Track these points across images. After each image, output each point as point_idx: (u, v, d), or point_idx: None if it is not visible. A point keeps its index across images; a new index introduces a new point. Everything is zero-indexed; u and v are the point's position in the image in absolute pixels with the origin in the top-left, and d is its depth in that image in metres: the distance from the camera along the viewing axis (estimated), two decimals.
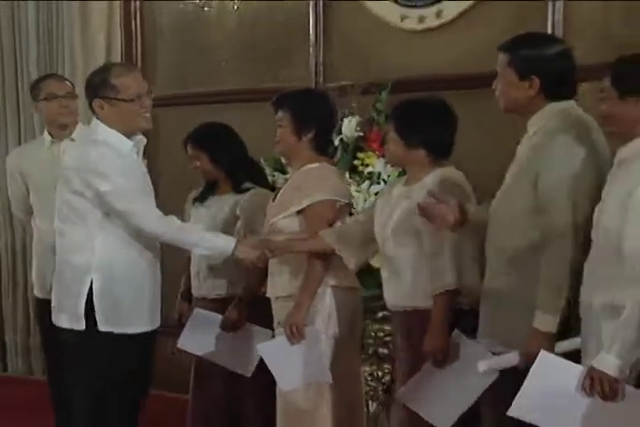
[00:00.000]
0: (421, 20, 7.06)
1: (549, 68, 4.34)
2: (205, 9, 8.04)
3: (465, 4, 6.87)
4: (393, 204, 4.73)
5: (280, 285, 5.29)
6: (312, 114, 5.26)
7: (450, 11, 6.93)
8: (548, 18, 6.53)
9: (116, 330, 4.57)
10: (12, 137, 8.92)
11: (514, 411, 4.03)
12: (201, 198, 6.11)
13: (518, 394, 4.00)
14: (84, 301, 4.51)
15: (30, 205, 6.43)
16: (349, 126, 6.41)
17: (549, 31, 6.46)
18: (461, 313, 4.64)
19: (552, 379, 4.00)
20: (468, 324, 4.56)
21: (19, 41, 8.75)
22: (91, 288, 4.53)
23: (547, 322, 4.16)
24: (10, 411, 7.64)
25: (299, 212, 5.21)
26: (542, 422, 4.02)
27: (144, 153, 5.25)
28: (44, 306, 6.05)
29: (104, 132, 4.61)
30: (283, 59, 7.78)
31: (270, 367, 4.99)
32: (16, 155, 6.75)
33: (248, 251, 4.80)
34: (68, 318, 4.60)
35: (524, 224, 4.27)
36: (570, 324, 4.17)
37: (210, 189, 6.06)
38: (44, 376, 7.46)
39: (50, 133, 6.43)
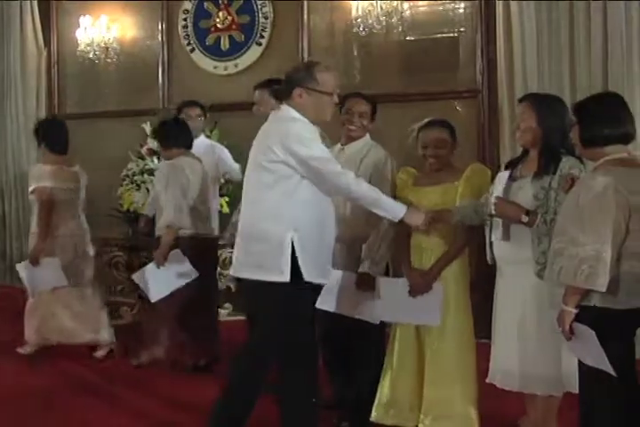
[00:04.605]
0: (225, 68, 7.87)
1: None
2: (96, 61, 8.42)
3: (251, 61, 7.72)
4: None
5: None
6: None
7: (243, 63, 7.79)
8: None
9: (315, 280, 3.81)
10: None
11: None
12: None
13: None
14: (289, 257, 3.71)
15: None
16: None
17: None
18: None
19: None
20: None
21: None
22: (292, 246, 3.71)
23: None
24: None
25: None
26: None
27: None
28: None
29: (296, 114, 3.83)
30: (144, 91, 8.33)
31: None
32: None
33: (415, 217, 3.87)
34: (272, 273, 3.73)
35: None
36: None
37: None
38: None
39: None
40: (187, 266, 5.34)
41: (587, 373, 3.31)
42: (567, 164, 3.68)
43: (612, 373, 3.15)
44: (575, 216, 3.21)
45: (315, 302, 3.96)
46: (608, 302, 3.19)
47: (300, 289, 3.76)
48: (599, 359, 3.18)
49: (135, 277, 5.61)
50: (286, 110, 3.87)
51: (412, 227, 3.98)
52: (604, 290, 3.12)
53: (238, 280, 3.98)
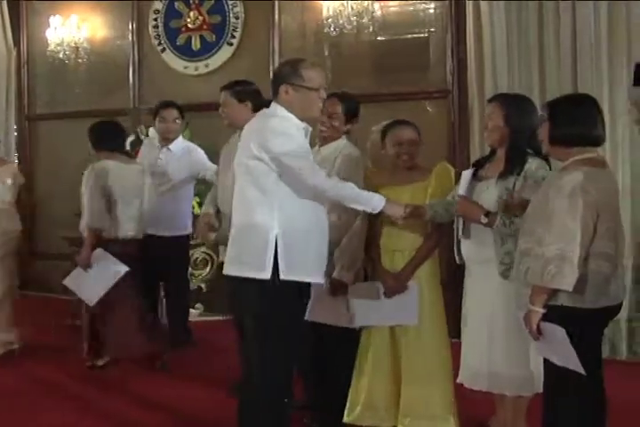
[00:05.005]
0: (196, 69, 7.88)
1: (255, 96, 4.78)
2: (67, 61, 8.35)
3: (221, 61, 7.72)
4: None
5: None
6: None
7: (214, 64, 7.79)
8: (270, 73, 7.10)
9: (298, 278, 3.65)
10: None
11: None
12: None
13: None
14: (272, 254, 3.57)
15: None
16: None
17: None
18: None
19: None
20: None
21: None
22: (276, 243, 3.58)
23: None
24: None
25: None
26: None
27: None
28: None
29: (282, 112, 3.70)
30: (115, 91, 8.32)
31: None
32: None
33: (395, 209, 3.75)
34: (253, 269, 3.61)
35: None
36: None
37: None
38: None
39: None
40: (114, 263, 5.34)
41: (554, 372, 3.30)
42: (533, 165, 3.68)
43: (582, 371, 3.14)
44: (543, 216, 3.19)
45: (303, 301, 3.82)
46: (576, 302, 3.18)
47: (282, 287, 3.62)
48: (569, 358, 3.16)
49: (66, 282, 5.55)
50: (273, 107, 3.78)
51: (392, 218, 3.85)
52: (570, 289, 3.10)
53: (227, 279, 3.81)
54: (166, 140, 6.07)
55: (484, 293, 3.81)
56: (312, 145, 3.98)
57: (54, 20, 8.33)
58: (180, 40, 7.97)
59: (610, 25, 5.87)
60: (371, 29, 6.93)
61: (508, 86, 6.12)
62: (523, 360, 3.74)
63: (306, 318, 3.95)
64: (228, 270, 3.77)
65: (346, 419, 4.25)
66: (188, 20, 7.92)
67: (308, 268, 3.69)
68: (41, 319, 6.37)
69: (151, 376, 5.48)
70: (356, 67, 7.11)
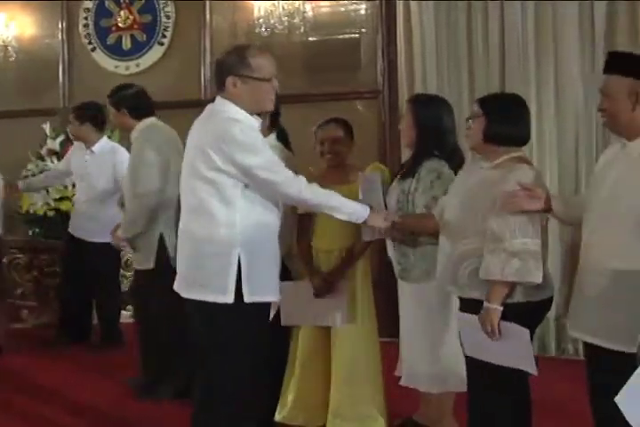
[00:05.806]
0: (127, 68, 7.71)
1: (132, 101, 4.87)
2: None
3: (152, 61, 7.61)
4: None
5: None
6: None
7: (144, 63, 7.65)
8: (201, 73, 7.28)
9: (260, 299, 3.32)
10: None
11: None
12: None
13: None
14: (235, 275, 3.24)
15: None
16: None
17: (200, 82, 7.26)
18: None
19: None
20: None
21: None
22: (239, 263, 3.25)
23: None
24: None
25: None
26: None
27: None
28: None
29: (233, 110, 3.30)
30: (44, 91, 8.06)
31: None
32: None
33: (378, 220, 3.47)
34: (213, 292, 3.26)
35: None
36: None
37: None
38: None
39: None
40: None
41: (482, 371, 3.25)
42: (425, 167, 3.70)
43: (535, 372, 3.11)
44: (493, 214, 3.12)
45: (264, 323, 3.45)
46: (528, 296, 3.17)
47: (245, 308, 3.29)
48: (523, 359, 3.11)
49: None
50: (221, 104, 3.36)
51: (374, 228, 3.55)
52: (539, 282, 3.07)
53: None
54: (85, 142, 6.09)
55: (403, 292, 3.91)
56: None
57: None
58: (111, 39, 7.82)
59: (537, 25, 5.92)
60: (302, 30, 6.90)
61: (438, 86, 6.15)
62: (432, 357, 3.77)
63: None
64: (184, 292, 3.41)
65: (277, 417, 4.22)
66: (119, 20, 7.78)
67: (269, 286, 3.39)
68: None
69: (77, 378, 5.38)
70: (288, 67, 6.90)
